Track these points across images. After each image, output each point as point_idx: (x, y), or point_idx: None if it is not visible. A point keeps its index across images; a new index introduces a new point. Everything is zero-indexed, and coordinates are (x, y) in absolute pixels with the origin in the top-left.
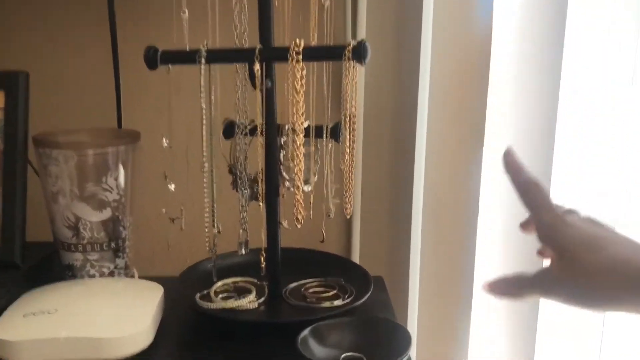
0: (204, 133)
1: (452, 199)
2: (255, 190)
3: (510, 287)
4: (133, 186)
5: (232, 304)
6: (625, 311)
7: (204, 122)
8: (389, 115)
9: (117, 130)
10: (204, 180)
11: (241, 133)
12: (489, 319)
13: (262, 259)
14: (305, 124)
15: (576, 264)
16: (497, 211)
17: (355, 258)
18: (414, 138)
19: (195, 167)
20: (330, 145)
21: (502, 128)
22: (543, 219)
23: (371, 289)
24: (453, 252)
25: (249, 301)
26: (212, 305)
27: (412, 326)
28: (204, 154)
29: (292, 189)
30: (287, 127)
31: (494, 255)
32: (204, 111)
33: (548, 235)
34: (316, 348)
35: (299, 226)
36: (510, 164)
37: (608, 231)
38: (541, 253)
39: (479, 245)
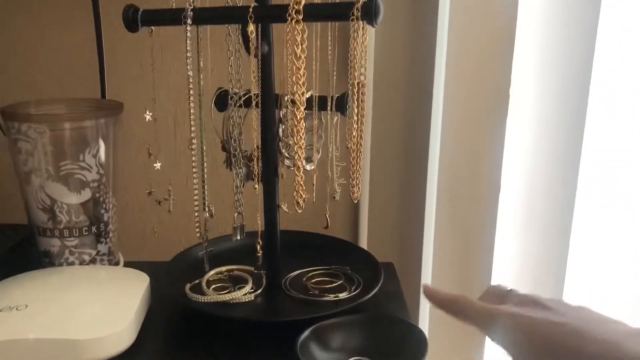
0: (192, 105)
1: (471, 178)
2: (251, 169)
3: None
4: (116, 164)
5: (225, 297)
6: None
7: (191, 92)
8: (402, 85)
9: (97, 100)
10: (193, 158)
11: (235, 104)
12: None
13: (259, 247)
14: (307, 95)
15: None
16: (521, 191)
17: (363, 244)
18: (429, 110)
19: (186, 142)
20: (335, 118)
21: (529, 100)
22: (488, 326)
23: (381, 281)
24: (470, 237)
25: (244, 294)
26: (203, 298)
27: (424, 319)
28: (192, 128)
29: (292, 169)
30: (286, 98)
31: (515, 240)
32: (190, 79)
33: (499, 339)
34: (318, 352)
35: (299, 211)
36: (433, 297)
37: (547, 311)
38: None
39: (499, 230)
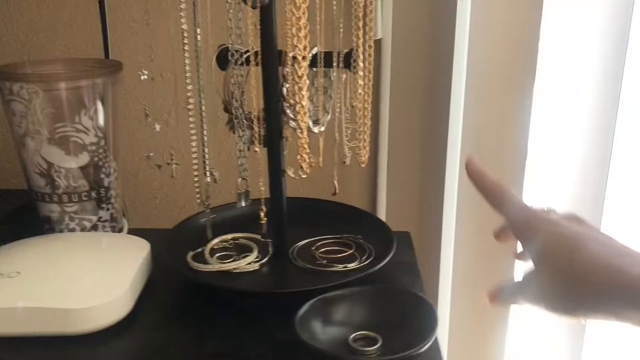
0: (187, 62)
1: (496, 143)
2: (255, 131)
3: (502, 294)
4: (117, 126)
5: (227, 265)
6: (607, 319)
7: (186, 47)
8: (423, 40)
9: (96, 60)
10: (190, 119)
11: (235, 62)
12: None
13: (262, 214)
14: (314, 50)
15: (555, 266)
16: (548, 157)
17: (381, 211)
18: (450, 68)
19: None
20: (344, 76)
21: (558, 59)
22: (518, 218)
23: (393, 250)
24: None
25: (248, 263)
26: (205, 267)
27: (444, 293)
28: (189, 87)
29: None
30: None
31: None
32: (185, 34)
33: (525, 235)
34: (319, 327)
35: (303, 176)
36: (473, 172)
37: (591, 230)
38: (519, 256)
39: (525, 197)
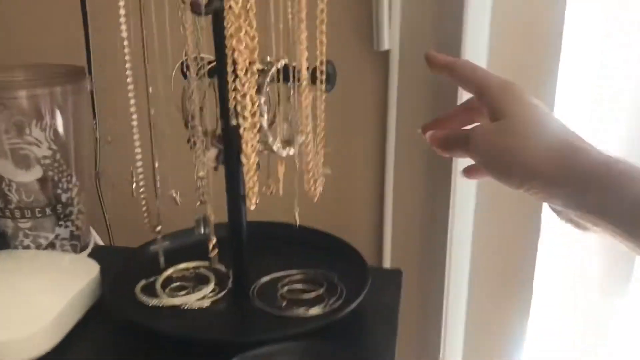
0: (128, 72)
1: None
2: (220, 150)
3: (445, 141)
4: (80, 139)
5: (175, 300)
6: (543, 199)
7: (127, 56)
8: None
9: (58, 66)
10: (135, 137)
11: (191, 74)
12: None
13: (211, 245)
14: (280, 64)
15: (522, 136)
16: None
17: (387, 245)
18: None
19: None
20: (311, 94)
21: (581, 68)
22: (493, 83)
23: (363, 294)
24: (511, 233)
25: (199, 298)
26: (150, 301)
27: (453, 337)
28: (131, 102)
29: (264, 152)
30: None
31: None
32: (125, 42)
33: (498, 99)
34: None
35: (252, 207)
36: (435, 60)
37: (549, 114)
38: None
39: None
